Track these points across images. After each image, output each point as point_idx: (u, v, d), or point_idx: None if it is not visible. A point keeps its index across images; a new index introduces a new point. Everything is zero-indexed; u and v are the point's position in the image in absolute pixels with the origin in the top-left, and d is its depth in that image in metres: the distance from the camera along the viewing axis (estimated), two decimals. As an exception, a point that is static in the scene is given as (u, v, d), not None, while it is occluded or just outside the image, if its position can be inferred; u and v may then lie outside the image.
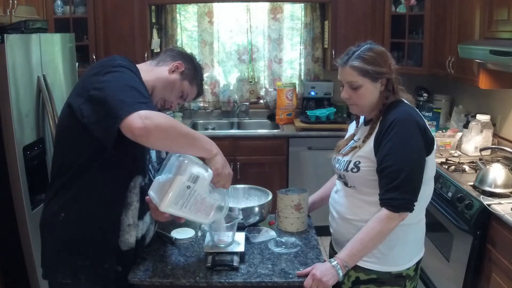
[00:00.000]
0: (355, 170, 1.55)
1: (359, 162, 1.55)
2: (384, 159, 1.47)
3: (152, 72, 1.55)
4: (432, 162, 1.55)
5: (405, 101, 1.58)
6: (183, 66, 1.58)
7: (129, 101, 1.26)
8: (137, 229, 1.53)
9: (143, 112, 1.23)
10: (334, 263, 1.45)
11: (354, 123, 1.74)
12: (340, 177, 1.66)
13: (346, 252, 1.48)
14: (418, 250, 1.64)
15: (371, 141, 1.53)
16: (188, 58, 1.62)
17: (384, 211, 1.46)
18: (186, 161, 1.36)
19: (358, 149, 1.56)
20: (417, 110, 1.58)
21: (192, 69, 1.61)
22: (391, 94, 1.56)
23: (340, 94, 1.61)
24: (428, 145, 1.50)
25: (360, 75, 1.52)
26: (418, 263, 1.63)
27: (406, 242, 1.57)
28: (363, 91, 1.54)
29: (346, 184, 1.62)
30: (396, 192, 1.44)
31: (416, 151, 1.48)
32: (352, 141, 1.66)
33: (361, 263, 1.54)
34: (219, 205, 1.45)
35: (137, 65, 1.50)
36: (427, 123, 1.56)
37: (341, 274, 1.45)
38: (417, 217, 1.57)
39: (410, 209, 1.46)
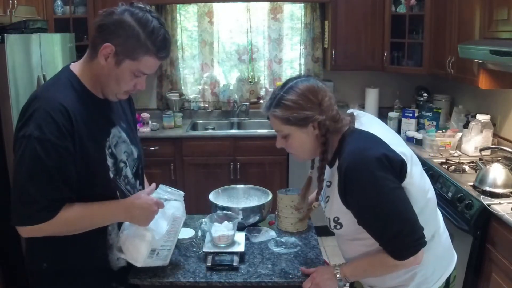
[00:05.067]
0: (338, 227, 1.38)
1: (338, 218, 1.37)
2: (360, 219, 1.30)
3: (91, 71, 1.34)
4: (411, 182, 1.30)
5: (356, 126, 1.35)
6: (110, 46, 1.26)
7: (18, 211, 1.25)
8: None
9: (26, 229, 1.27)
10: (337, 271, 1.41)
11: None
12: None
13: (351, 270, 1.40)
14: (445, 265, 1.44)
15: (335, 196, 1.34)
16: (117, 26, 1.26)
17: (391, 259, 1.29)
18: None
19: (315, 209, 1.46)
20: (373, 132, 1.31)
21: (125, 40, 1.26)
22: (329, 136, 1.34)
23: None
24: (398, 170, 1.27)
25: (283, 124, 1.34)
26: (448, 278, 1.43)
27: (427, 266, 1.37)
28: (293, 140, 1.36)
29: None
30: (394, 243, 1.27)
31: (387, 191, 1.25)
32: (324, 183, 1.44)
33: None
34: (175, 216, 1.47)
35: (76, 68, 1.37)
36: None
37: (341, 283, 1.42)
38: (429, 233, 1.36)
39: (421, 246, 1.28)
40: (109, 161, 1.39)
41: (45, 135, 1.22)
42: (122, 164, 1.44)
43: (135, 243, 1.40)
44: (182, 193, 1.51)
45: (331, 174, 1.40)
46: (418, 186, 1.34)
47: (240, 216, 1.73)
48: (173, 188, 1.51)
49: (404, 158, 1.28)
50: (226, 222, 1.58)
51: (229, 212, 1.69)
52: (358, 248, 1.41)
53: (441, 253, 1.45)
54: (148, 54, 1.28)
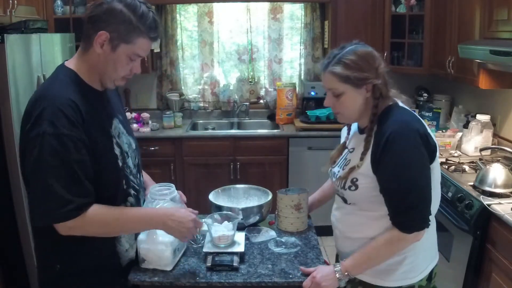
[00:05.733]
0: (353, 188, 1.44)
1: (357, 180, 1.43)
2: (387, 181, 1.37)
3: (87, 62, 1.36)
4: (437, 167, 1.45)
5: (401, 104, 1.46)
6: (105, 33, 1.30)
7: (44, 208, 1.26)
8: (134, 248, 1.52)
9: (68, 224, 1.27)
10: (337, 268, 1.43)
11: (345, 128, 1.63)
12: (338, 192, 1.56)
13: (352, 261, 1.43)
14: (431, 258, 1.53)
15: (367, 157, 1.41)
16: (108, 14, 1.30)
17: (397, 232, 1.37)
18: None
19: (358, 169, 1.43)
20: (415, 113, 1.47)
21: (119, 25, 1.30)
22: (380, 101, 1.42)
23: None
24: (431, 152, 1.39)
25: (341, 82, 1.40)
26: (431, 271, 1.52)
27: (417, 253, 1.46)
28: (345, 99, 1.42)
29: (345, 201, 1.51)
30: (408, 214, 1.35)
31: (420, 166, 1.36)
32: (346, 150, 1.55)
33: (368, 279, 1.48)
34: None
35: (72, 64, 1.38)
36: (427, 123, 1.51)
37: (342, 281, 1.43)
38: None
39: (426, 225, 1.38)
40: (117, 150, 1.42)
41: (59, 130, 1.24)
42: (125, 154, 1.47)
43: (157, 254, 1.47)
44: (172, 185, 1.56)
45: (358, 140, 1.49)
46: (437, 175, 1.46)
47: (240, 216, 1.73)
48: (161, 185, 1.55)
49: (437, 144, 1.42)
50: (226, 222, 1.59)
51: (229, 212, 1.69)
52: (359, 220, 1.47)
53: (431, 243, 1.54)
54: (141, 36, 1.34)
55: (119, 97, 1.62)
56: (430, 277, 1.52)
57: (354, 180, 1.43)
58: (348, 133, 1.60)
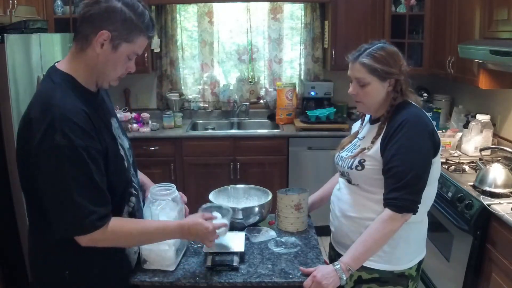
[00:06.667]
0: (359, 168, 1.55)
1: (364, 160, 1.54)
2: (391, 159, 1.47)
3: (84, 63, 1.31)
4: (437, 164, 1.55)
5: (413, 103, 1.57)
6: (107, 33, 1.26)
7: (66, 220, 1.23)
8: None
9: (88, 238, 1.25)
10: (337, 266, 1.45)
11: (357, 123, 1.75)
12: (343, 175, 1.66)
13: (350, 255, 1.48)
14: (420, 250, 1.64)
15: (378, 141, 1.54)
16: (109, 13, 1.26)
17: (387, 212, 1.46)
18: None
19: (367, 151, 1.55)
20: (425, 112, 1.57)
21: (120, 24, 1.27)
22: (399, 95, 1.56)
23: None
24: (435, 147, 1.51)
25: (369, 73, 1.52)
26: (420, 263, 1.63)
27: (409, 241, 1.56)
28: (370, 89, 1.54)
29: (349, 181, 1.62)
30: (401, 192, 1.44)
31: (423, 153, 1.48)
32: (356, 138, 1.67)
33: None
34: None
35: (65, 67, 1.32)
36: None
37: (344, 278, 1.44)
38: (420, 217, 1.56)
39: (414, 210, 1.47)
40: (121, 151, 1.42)
41: (73, 142, 1.20)
42: (127, 154, 1.47)
43: (160, 254, 1.47)
44: (173, 185, 1.55)
45: (369, 129, 1.63)
46: (437, 172, 1.57)
47: (240, 216, 1.72)
48: (161, 185, 1.55)
49: (440, 142, 1.54)
50: (215, 213, 1.56)
51: (220, 204, 1.68)
52: (361, 200, 1.57)
53: (422, 237, 1.65)
54: (141, 35, 1.32)
55: (108, 95, 1.58)
56: (418, 268, 1.62)
57: (362, 161, 1.55)
58: (362, 124, 1.72)
